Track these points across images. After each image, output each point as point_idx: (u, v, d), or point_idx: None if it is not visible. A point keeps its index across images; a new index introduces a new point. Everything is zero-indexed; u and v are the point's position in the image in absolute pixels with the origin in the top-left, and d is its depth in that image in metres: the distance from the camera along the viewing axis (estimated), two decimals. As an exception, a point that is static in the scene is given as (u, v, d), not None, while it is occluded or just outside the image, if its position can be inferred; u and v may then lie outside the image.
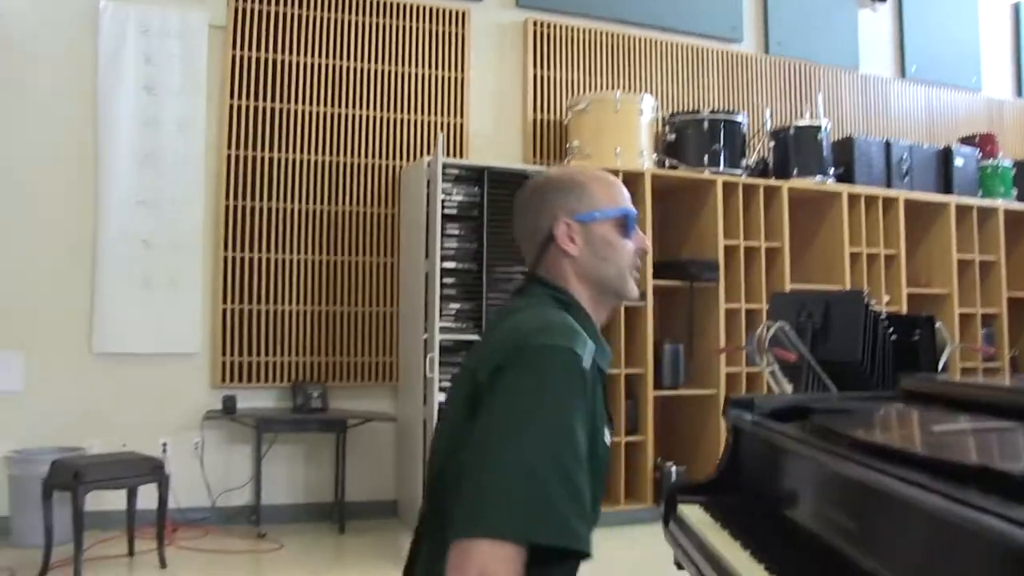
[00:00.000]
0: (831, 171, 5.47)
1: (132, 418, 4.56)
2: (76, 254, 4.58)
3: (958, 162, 6.05)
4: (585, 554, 1.17)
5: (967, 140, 6.49)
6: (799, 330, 3.09)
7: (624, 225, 1.47)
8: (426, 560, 1.33)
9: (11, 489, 4.25)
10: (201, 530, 4.55)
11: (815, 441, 1.65)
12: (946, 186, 6.00)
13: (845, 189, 5.47)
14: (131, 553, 4.07)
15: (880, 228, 5.56)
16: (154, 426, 4.59)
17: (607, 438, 1.37)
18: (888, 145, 5.82)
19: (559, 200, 1.46)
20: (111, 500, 4.26)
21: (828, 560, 1.47)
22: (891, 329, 2.61)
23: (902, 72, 6.78)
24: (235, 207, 4.83)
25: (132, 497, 4.03)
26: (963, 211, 5.92)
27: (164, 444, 4.60)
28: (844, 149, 5.72)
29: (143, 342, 4.63)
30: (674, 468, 4.90)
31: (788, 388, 3.07)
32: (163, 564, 3.92)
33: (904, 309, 5.50)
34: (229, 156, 4.84)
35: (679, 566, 2.03)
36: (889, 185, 5.75)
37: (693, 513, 2.04)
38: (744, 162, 5.31)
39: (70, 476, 3.69)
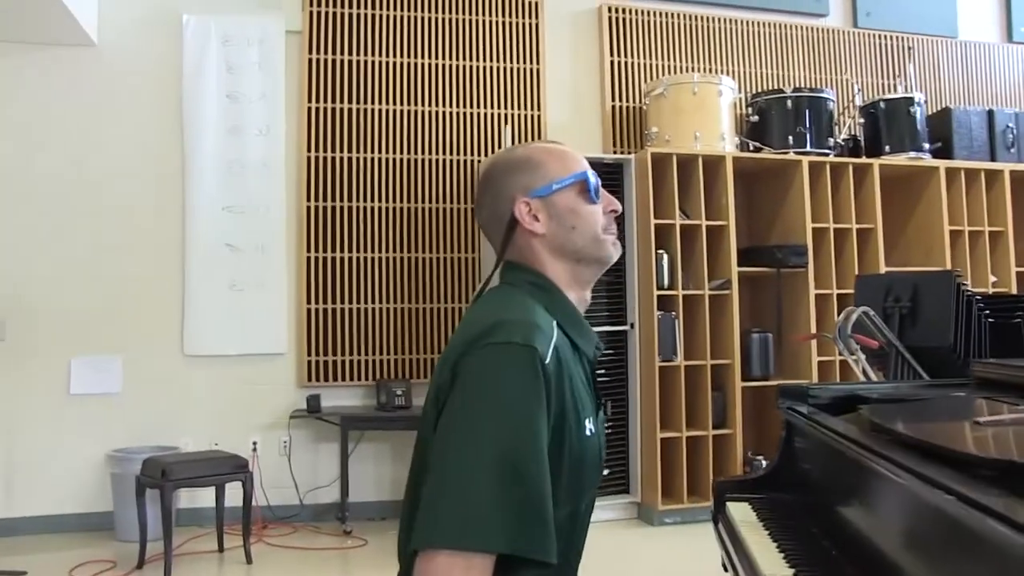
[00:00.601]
0: (926, 146, 5.19)
1: (222, 417, 4.71)
2: (166, 261, 4.75)
3: (1073, 128, 5.65)
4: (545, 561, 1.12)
5: (1082, 105, 6.07)
6: (886, 315, 2.94)
7: (585, 190, 1.40)
8: (405, 563, 1.29)
9: (113, 486, 4.45)
10: (289, 527, 4.65)
11: (856, 435, 1.55)
12: (1061, 156, 5.62)
13: (942, 164, 5.18)
14: (220, 549, 4.19)
15: (983, 204, 5.25)
16: (244, 425, 4.72)
17: (591, 426, 1.31)
18: (991, 114, 5.49)
19: (512, 181, 1.40)
20: (204, 498, 4.42)
21: (867, 565, 1.37)
22: (987, 311, 2.44)
23: (1009, 35, 6.38)
24: (316, 208, 4.92)
25: (220, 494, 4.15)
26: (1080, 181, 5.53)
27: (255, 443, 4.73)
28: (941, 122, 5.42)
29: (231, 343, 4.77)
30: (764, 462, 4.75)
31: (875, 377, 2.92)
32: (248, 560, 4.03)
33: (1014, 290, 5.18)
34: (309, 159, 4.93)
35: (725, 568, 1.94)
36: (993, 158, 5.42)
37: (740, 511, 1.95)
38: (832, 141, 5.10)
39: (159, 474, 3.83)
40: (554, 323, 1.30)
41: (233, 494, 4.17)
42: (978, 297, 2.45)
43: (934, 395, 1.93)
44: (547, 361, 1.19)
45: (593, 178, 1.41)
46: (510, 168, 1.42)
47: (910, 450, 1.28)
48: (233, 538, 4.21)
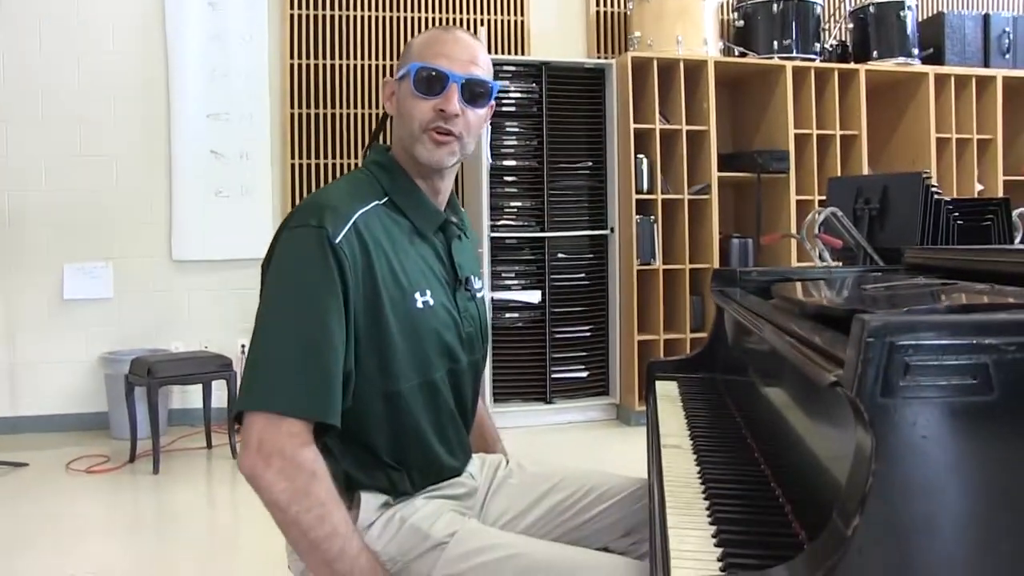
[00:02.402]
0: (916, 52, 5.12)
1: (211, 321, 4.85)
2: (152, 168, 4.83)
3: (1073, 33, 5.54)
4: (329, 425, 1.27)
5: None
6: (856, 216, 2.97)
7: (417, 82, 1.39)
8: None
9: (107, 386, 4.61)
10: (278, 425, 4.81)
11: (754, 305, 1.61)
12: (1059, 62, 5.53)
13: (931, 70, 5.12)
14: (208, 446, 4.37)
15: (973, 111, 5.21)
16: (232, 328, 4.85)
17: (428, 298, 1.39)
18: (986, 18, 5.38)
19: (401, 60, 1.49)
20: (194, 399, 4.58)
21: (764, 434, 1.44)
22: (956, 213, 2.47)
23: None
24: (300, 115, 4.95)
25: (207, 393, 4.29)
26: (1075, 88, 5.46)
27: (243, 345, 4.86)
28: (933, 27, 5.33)
29: (218, 249, 4.87)
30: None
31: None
32: (234, 455, 4.19)
33: (1000, 197, 5.16)
34: (292, 66, 4.94)
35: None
36: (987, 64, 5.34)
37: (665, 389, 2.04)
38: (819, 47, 5.04)
39: (145, 372, 3.97)
40: (373, 203, 1.39)
41: (221, 396, 4.33)
42: (947, 199, 2.47)
43: (852, 277, 1.99)
44: (337, 240, 1.29)
45: (424, 72, 1.39)
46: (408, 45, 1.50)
47: (794, 315, 1.34)
48: (221, 435, 4.38)
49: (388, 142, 1.55)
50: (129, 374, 4.11)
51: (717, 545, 0.93)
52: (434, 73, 1.39)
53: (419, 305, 1.38)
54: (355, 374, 1.32)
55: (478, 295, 1.56)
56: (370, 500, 1.38)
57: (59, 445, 4.44)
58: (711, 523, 1.01)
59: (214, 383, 4.28)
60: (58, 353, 4.73)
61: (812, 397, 1.08)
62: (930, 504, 0.69)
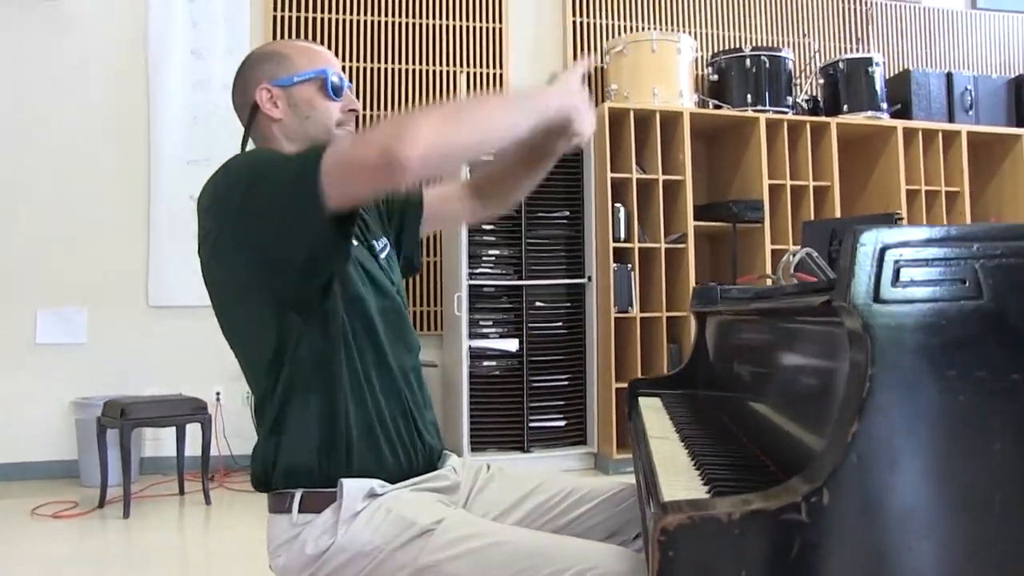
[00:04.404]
0: (885, 107, 5.27)
1: (186, 368, 4.78)
2: (131, 213, 4.82)
3: (1032, 93, 5.73)
4: None
5: (1043, 70, 6.14)
6: (831, 258, 3.02)
7: (324, 86, 1.54)
8: None
9: (78, 432, 4.52)
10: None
11: (741, 306, 1.63)
12: (1019, 119, 5.70)
13: (900, 124, 5.26)
14: (181, 492, 4.27)
15: (940, 164, 5.34)
16: (207, 376, 4.77)
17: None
18: (949, 77, 5.56)
19: (260, 69, 1.55)
20: (166, 447, 4.50)
21: (751, 426, 1.45)
22: None
23: (973, 2, 6.45)
24: (280, 164, 4.97)
25: (181, 436, 4.22)
26: (1037, 144, 5.62)
27: (218, 393, 4.80)
28: (900, 84, 5.49)
29: (196, 295, 4.79)
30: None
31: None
32: (207, 501, 4.11)
33: (970, 248, 5.26)
34: (273, 114, 4.98)
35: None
36: (952, 120, 5.50)
37: (649, 402, 2.04)
38: (791, 100, 5.17)
39: (118, 414, 3.91)
40: None
41: (195, 444, 4.25)
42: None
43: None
44: None
45: (335, 77, 1.55)
46: (260, 58, 1.57)
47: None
48: (194, 483, 4.28)
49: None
50: (102, 416, 4.04)
51: (705, 484, 0.93)
52: (337, 80, 1.56)
53: None
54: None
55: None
56: (353, 488, 1.36)
57: (25, 493, 4.33)
58: (703, 482, 1.01)
59: (188, 427, 4.21)
60: (27, 399, 4.64)
61: (799, 370, 1.09)
62: (925, 405, 0.69)
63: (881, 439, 0.68)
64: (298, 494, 1.38)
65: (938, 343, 0.69)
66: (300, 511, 1.37)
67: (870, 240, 0.70)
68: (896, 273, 0.69)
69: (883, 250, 0.69)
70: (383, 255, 1.60)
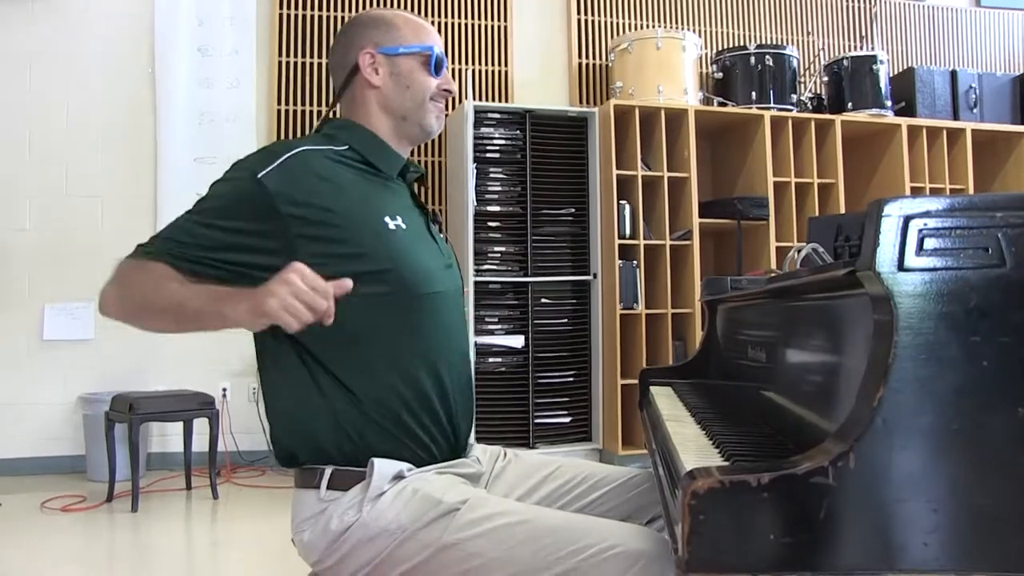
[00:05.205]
0: (889, 104, 5.28)
1: (193, 364, 4.79)
2: (138, 211, 4.84)
3: (1036, 89, 5.74)
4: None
5: (1048, 68, 6.15)
6: (836, 253, 3.03)
7: (428, 62, 1.56)
8: None
9: (85, 427, 4.54)
10: (258, 470, 4.75)
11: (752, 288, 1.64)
12: (1023, 116, 5.71)
13: (904, 122, 5.27)
14: (188, 487, 4.29)
15: (945, 162, 5.35)
16: (214, 372, 4.80)
17: (398, 222, 1.47)
18: (953, 75, 5.58)
19: (366, 34, 1.56)
20: (174, 443, 4.53)
21: (759, 407, 1.46)
22: None
23: (977, 0, 6.46)
24: (286, 161, 4.99)
25: (188, 431, 4.25)
26: (1042, 142, 5.63)
27: (224, 389, 4.82)
28: (905, 82, 5.51)
29: (202, 291, 4.84)
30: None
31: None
32: (215, 496, 4.12)
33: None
34: (279, 112, 5.01)
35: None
36: (956, 117, 5.51)
37: (661, 390, 2.05)
38: (795, 97, 5.19)
39: (127, 409, 3.92)
40: (323, 146, 1.49)
41: (202, 440, 4.26)
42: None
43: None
44: (261, 175, 1.38)
45: (439, 55, 1.57)
46: (368, 23, 1.58)
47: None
48: (201, 479, 4.30)
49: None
50: (110, 410, 4.06)
51: (726, 460, 0.94)
52: (440, 58, 1.57)
53: (391, 227, 1.45)
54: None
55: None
56: (384, 468, 1.38)
57: (33, 487, 4.34)
58: (724, 459, 1.02)
59: (195, 422, 4.23)
60: (35, 394, 4.67)
61: (818, 348, 1.10)
62: (950, 370, 0.71)
63: (906, 404, 0.69)
64: (328, 471, 1.39)
65: (962, 310, 0.71)
66: (328, 487, 1.38)
67: (895, 211, 0.71)
68: (920, 242, 0.71)
69: (907, 220, 0.71)
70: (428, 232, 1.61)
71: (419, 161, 5.19)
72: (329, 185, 1.42)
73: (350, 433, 1.39)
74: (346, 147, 1.51)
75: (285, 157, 1.41)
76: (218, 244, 1.39)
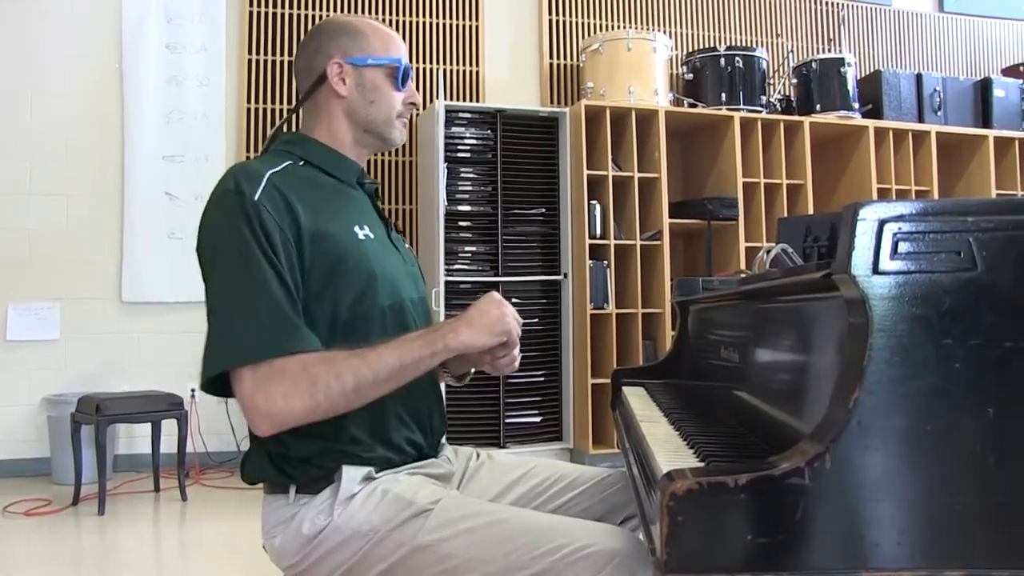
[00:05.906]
0: (856, 106, 5.35)
1: (160, 365, 4.75)
2: (105, 208, 4.78)
3: (999, 93, 5.83)
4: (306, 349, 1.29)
5: (1010, 71, 6.25)
6: (805, 254, 3.06)
7: (395, 75, 1.56)
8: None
9: (50, 429, 4.48)
10: (227, 471, 4.71)
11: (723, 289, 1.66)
12: (985, 120, 5.81)
13: (871, 124, 5.34)
14: (157, 489, 4.25)
15: (911, 163, 5.43)
16: (182, 372, 4.75)
17: (366, 231, 1.47)
18: (919, 78, 5.66)
19: (335, 41, 1.54)
20: (141, 444, 4.47)
21: (737, 409, 1.47)
22: None
23: (940, 5, 6.56)
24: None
25: (156, 432, 4.20)
26: (1004, 145, 5.73)
27: (192, 390, 4.76)
28: (871, 84, 5.58)
29: (170, 291, 4.81)
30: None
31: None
32: (184, 497, 4.08)
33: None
34: (248, 110, 4.98)
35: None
36: (921, 120, 5.60)
37: (633, 391, 2.06)
38: (765, 99, 5.24)
39: (93, 410, 3.87)
40: (286, 164, 1.46)
41: (170, 441, 4.21)
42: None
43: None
44: (256, 198, 1.34)
45: (406, 67, 1.57)
46: (337, 30, 1.56)
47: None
48: (170, 480, 4.26)
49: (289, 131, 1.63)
50: (76, 411, 4.00)
51: (701, 461, 0.95)
52: (406, 70, 1.58)
53: (360, 237, 1.45)
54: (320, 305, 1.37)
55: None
56: (352, 472, 1.37)
57: (-3, 491, 4.28)
58: (699, 460, 1.03)
59: (164, 423, 4.18)
60: (-1, 397, 4.60)
61: (789, 349, 1.11)
62: (923, 372, 0.72)
63: (881, 405, 0.70)
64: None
65: (935, 313, 0.72)
66: (298, 492, 1.38)
67: (870, 214, 0.72)
68: (895, 246, 0.72)
69: (882, 223, 0.72)
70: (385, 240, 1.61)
71: (389, 160, 5.18)
72: (303, 206, 1.40)
73: (319, 440, 1.38)
74: (302, 162, 1.50)
75: (264, 182, 1.37)
76: (296, 284, 1.35)
